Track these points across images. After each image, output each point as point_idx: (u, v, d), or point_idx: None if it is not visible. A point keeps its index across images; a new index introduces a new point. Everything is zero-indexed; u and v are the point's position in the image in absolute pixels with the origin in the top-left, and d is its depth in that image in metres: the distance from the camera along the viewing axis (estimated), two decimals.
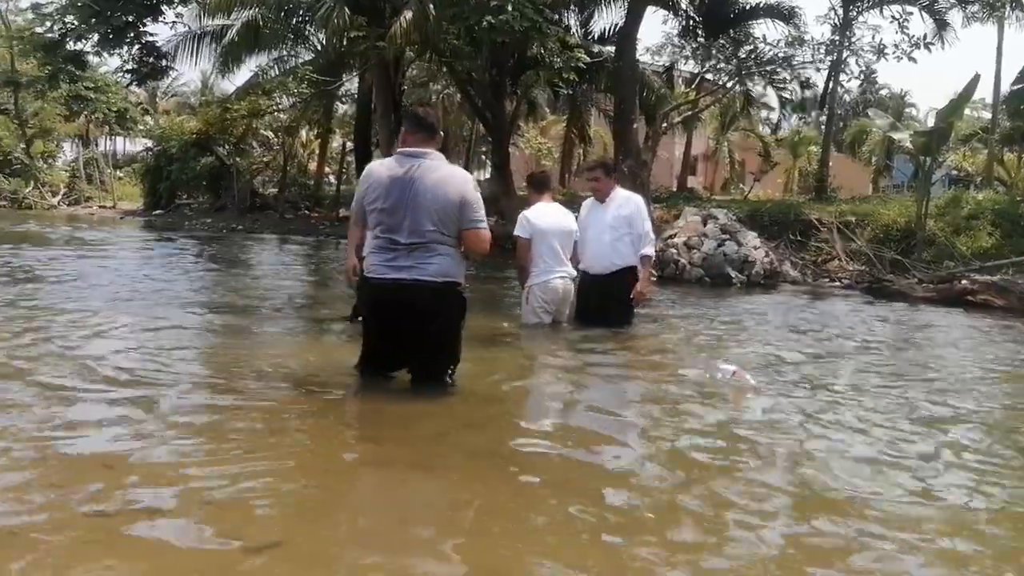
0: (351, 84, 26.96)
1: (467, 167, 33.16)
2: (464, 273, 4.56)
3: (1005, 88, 23.91)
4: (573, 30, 20.27)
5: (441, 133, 4.83)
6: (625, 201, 6.97)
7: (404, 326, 4.45)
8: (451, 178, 4.41)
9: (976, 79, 14.66)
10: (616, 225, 6.82)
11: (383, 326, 4.51)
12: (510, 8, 13.27)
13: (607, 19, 21.98)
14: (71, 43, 17.06)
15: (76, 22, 15.95)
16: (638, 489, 3.31)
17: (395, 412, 4.29)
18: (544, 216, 6.60)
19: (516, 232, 6.63)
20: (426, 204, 4.29)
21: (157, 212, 29.54)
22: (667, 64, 22.85)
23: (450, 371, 4.59)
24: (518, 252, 6.70)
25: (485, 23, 13.36)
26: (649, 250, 6.94)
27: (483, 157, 37.00)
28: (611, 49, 19.63)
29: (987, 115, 32.63)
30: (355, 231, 4.72)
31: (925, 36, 19.88)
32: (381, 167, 4.54)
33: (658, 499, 3.22)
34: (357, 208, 4.56)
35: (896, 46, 19.00)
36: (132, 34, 16.51)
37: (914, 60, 18.85)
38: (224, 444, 3.59)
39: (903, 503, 3.21)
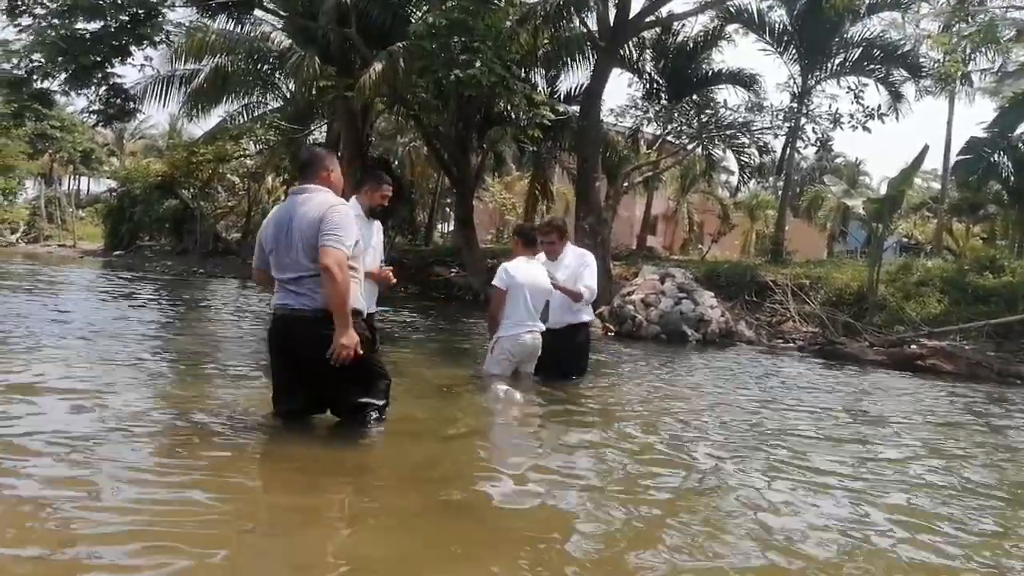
0: (319, 132, 27.12)
1: (431, 219, 33.33)
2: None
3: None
4: (540, 88, 20.62)
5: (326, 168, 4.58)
6: (572, 258, 7.22)
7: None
8: (315, 203, 4.34)
9: (925, 149, 15.23)
10: (565, 281, 7.01)
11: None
12: (478, 63, 13.48)
13: (573, 79, 22.40)
14: (38, 81, 16.92)
15: (43, 60, 15.82)
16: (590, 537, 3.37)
17: (347, 460, 4.25)
18: (522, 270, 6.66)
19: (494, 282, 6.70)
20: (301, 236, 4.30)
21: (117, 253, 29.27)
22: (633, 128, 23.25)
23: (371, 410, 4.53)
24: (492, 302, 6.77)
25: (453, 76, 13.55)
26: (582, 291, 7.04)
27: (448, 210, 37.23)
28: (576, 108, 19.97)
29: (937, 185, 33.59)
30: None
31: (880, 107, 20.49)
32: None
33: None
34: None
35: (852, 115, 19.54)
36: (99, 74, 16.40)
37: (868, 130, 19.31)
38: (158, 496, 3.43)
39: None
